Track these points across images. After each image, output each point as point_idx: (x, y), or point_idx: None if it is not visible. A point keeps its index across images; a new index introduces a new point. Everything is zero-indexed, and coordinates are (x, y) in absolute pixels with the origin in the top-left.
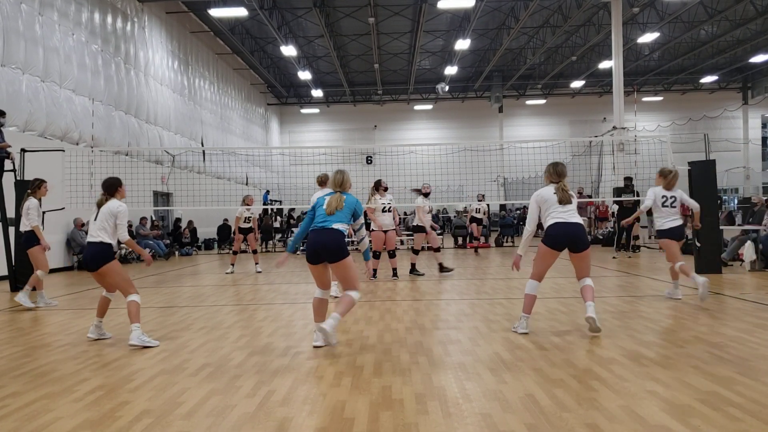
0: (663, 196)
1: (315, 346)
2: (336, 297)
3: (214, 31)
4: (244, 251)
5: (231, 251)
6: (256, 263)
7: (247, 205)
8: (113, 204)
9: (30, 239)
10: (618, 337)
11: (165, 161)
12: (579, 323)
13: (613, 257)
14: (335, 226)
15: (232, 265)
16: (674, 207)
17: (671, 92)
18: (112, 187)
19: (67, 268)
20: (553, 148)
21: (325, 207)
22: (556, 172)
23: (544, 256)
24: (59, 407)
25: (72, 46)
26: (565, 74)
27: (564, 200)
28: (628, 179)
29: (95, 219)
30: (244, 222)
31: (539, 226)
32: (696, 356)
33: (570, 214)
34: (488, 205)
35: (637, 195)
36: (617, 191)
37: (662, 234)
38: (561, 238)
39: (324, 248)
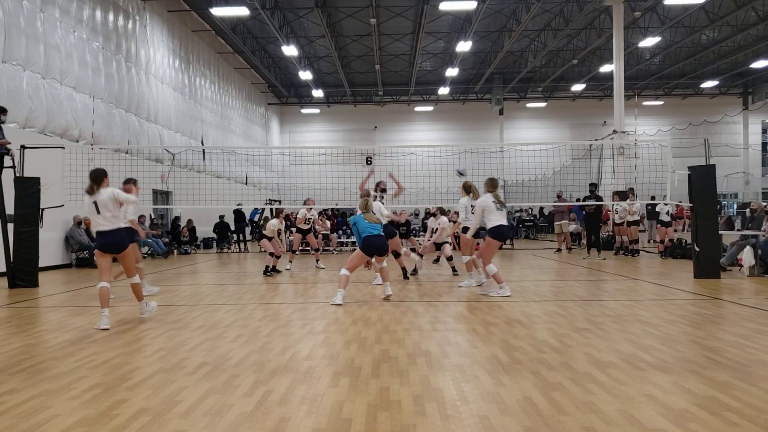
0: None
1: (334, 304)
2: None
3: (216, 30)
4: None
5: (291, 251)
6: (317, 260)
7: (309, 206)
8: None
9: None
10: (616, 341)
11: (165, 160)
12: (577, 326)
13: (584, 258)
14: (382, 232)
15: (290, 262)
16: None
17: (672, 97)
18: (99, 178)
19: (66, 266)
20: (553, 151)
21: (367, 222)
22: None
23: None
24: (56, 405)
25: (73, 44)
26: (566, 77)
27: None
28: (593, 185)
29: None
30: (305, 223)
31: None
32: (694, 361)
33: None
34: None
35: (601, 199)
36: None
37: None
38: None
39: (379, 249)
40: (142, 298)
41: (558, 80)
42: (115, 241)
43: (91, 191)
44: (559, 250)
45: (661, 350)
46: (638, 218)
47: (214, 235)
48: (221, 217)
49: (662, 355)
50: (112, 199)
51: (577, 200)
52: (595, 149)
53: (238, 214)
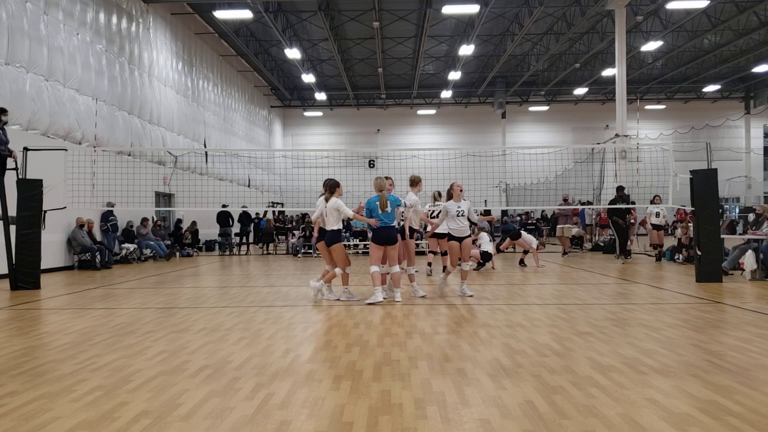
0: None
1: (369, 303)
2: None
3: (219, 32)
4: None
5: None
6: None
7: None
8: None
9: (334, 237)
10: (618, 345)
11: (167, 162)
12: (579, 330)
13: (622, 263)
14: (393, 224)
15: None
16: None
17: (674, 101)
18: (333, 187)
19: (68, 268)
20: (555, 155)
21: (380, 207)
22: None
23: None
24: (57, 407)
25: (76, 46)
26: (569, 81)
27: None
28: (621, 188)
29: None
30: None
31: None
32: (696, 365)
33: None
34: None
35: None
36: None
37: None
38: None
39: (388, 239)
40: (346, 284)
41: (560, 84)
42: (328, 238)
43: (327, 198)
44: (565, 253)
45: (663, 354)
46: (664, 222)
47: (217, 226)
48: (224, 206)
49: (664, 359)
50: (334, 207)
51: (587, 202)
52: (597, 153)
53: (244, 216)
